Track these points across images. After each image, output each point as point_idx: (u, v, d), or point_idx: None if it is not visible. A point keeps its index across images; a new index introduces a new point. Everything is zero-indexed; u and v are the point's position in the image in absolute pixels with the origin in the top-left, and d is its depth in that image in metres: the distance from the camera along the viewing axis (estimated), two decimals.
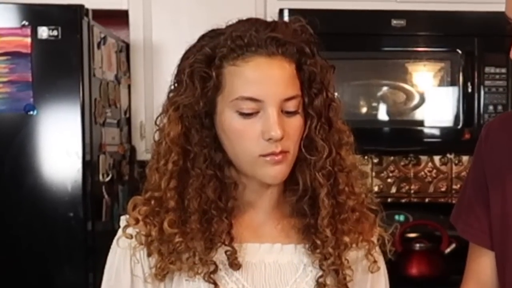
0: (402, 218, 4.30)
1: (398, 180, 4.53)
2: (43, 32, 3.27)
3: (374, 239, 1.78)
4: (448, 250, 3.89)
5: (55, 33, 3.29)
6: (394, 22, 3.82)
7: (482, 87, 3.83)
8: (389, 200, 4.43)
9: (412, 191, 4.52)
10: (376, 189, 4.43)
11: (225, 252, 1.69)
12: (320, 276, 1.72)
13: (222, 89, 1.63)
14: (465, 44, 3.85)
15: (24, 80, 3.28)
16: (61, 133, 3.36)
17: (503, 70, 3.80)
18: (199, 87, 1.63)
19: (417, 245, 3.93)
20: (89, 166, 3.41)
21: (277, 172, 1.63)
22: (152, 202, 1.72)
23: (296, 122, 1.65)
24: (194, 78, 1.65)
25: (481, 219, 1.88)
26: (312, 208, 1.72)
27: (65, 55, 3.33)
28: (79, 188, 3.33)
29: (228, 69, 1.63)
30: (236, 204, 1.75)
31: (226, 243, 1.69)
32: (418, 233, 4.08)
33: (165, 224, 1.67)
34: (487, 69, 3.81)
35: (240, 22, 1.71)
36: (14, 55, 3.26)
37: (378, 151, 4.37)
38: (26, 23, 3.27)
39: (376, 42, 3.99)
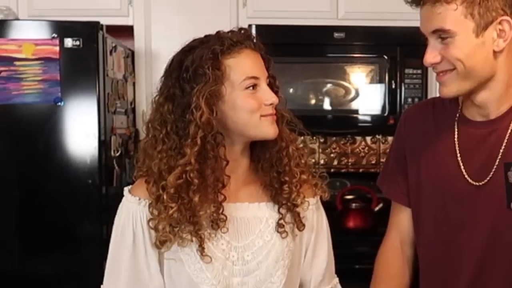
0: (341, 184, 4.46)
1: (338, 155, 4.66)
2: (68, 42, 3.42)
3: (318, 197, 2.00)
4: (376, 208, 4.10)
5: (77, 43, 3.44)
6: (336, 34, 4.00)
7: (403, 84, 4.06)
8: (332, 170, 4.51)
9: (349, 164, 4.68)
10: (322, 162, 4.63)
11: (215, 208, 1.85)
12: (279, 222, 1.91)
13: (227, 77, 1.81)
14: (390, 52, 4.05)
15: (53, 79, 3.41)
16: (82, 119, 3.51)
17: (419, 71, 4.03)
18: (212, 75, 1.83)
19: (353, 204, 4.16)
20: (103, 144, 3.57)
21: (274, 128, 1.84)
22: (178, 178, 1.83)
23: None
24: (212, 69, 1.83)
25: (401, 184, 2.08)
26: (273, 175, 1.91)
27: (85, 60, 3.48)
28: (96, 161, 3.50)
29: (228, 61, 1.81)
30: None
31: (219, 205, 1.86)
32: (354, 196, 4.27)
33: (189, 194, 1.80)
34: (406, 71, 4.04)
35: (217, 32, 1.90)
36: (46, 60, 3.39)
37: (324, 133, 4.50)
38: (55, 35, 3.42)
39: (322, 50, 4.15)
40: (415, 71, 4.06)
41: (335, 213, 4.19)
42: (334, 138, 4.67)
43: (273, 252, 1.92)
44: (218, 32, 1.88)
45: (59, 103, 3.48)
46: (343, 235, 3.97)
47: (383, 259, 2.15)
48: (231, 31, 1.89)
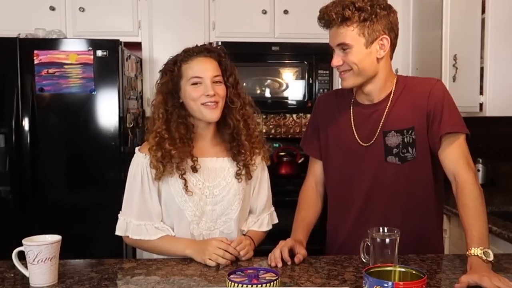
0: (277, 145, 4.84)
1: (275, 126, 5.15)
2: (99, 53, 3.82)
3: (263, 153, 2.20)
4: (299, 161, 4.55)
5: (105, 53, 3.83)
6: (273, 48, 4.47)
7: (316, 80, 4.50)
8: (270, 136, 5.01)
9: (282, 132, 5.15)
10: (264, 130, 5.04)
11: (192, 159, 2.04)
12: (237, 172, 2.12)
13: (182, 76, 2.02)
14: (308, 59, 4.50)
15: (89, 77, 3.82)
16: (108, 103, 3.87)
17: (327, 72, 4.48)
18: (171, 77, 2.05)
19: (284, 158, 4.62)
20: (121, 119, 3.91)
21: (213, 113, 2.01)
22: (157, 139, 2.02)
23: (221, 89, 2.04)
24: (169, 72, 2.06)
25: (315, 145, 2.27)
26: (233, 137, 2.10)
27: (110, 64, 3.85)
28: (117, 130, 3.88)
29: (183, 66, 2.01)
30: (194, 136, 2.09)
31: (191, 155, 2.05)
32: (285, 152, 4.68)
33: (165, 146, 2.00)
34: (319, 72, 4.49)
35: (188, 49, 2.08)
36: (84, 65, 3.81)
37: (265, 112, 4.95)
38: (91, 48, 3.81)
39: (264, 58, 4.55)
40: (324, 72, 4.50)
41: (272, 164, 4.35)
42: (272, 115, 5.12)
43: (232, 190, 2.11)
44: (188, 48, 2.09)
45: (93, 92, 3.85)
46: (278, 178, 4.35)
47: (303, 194, 2.30)
48: (199, 46, 2.10)
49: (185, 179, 2.02)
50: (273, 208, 2.31)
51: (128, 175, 2.10)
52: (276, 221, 2.30)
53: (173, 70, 2.02)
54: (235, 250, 1.93)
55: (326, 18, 1.93)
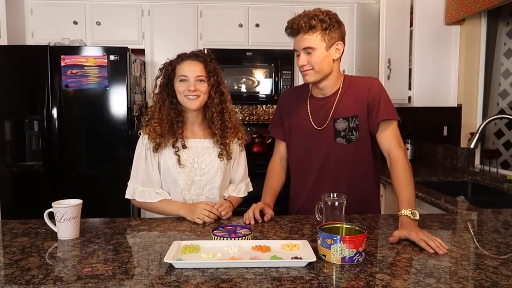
0: (251, 129, 4.84)
1: (249, 115, 5.11)
2: (111, 57, 3.86)
3: (240, 138, 2.17)
4: (268, 141, 4.61)
5: (116, 57, 3.87)
6: (247, 53, 4.51)
7: (281, 79, 4.52)
8: (245, 122, 5.00)
9: (254, 119, 5.12)
10: (240, 118, 4.97)
11: (182, 140, 2.04)
12: (220, 152, 2.10)
13: (175, 74, 2.02)
14: (275, 62, 4.52)
15: (104, 76, 3.86)
16: (118, 96, 3.89)
17: (289, 72, 4.50)
18: (166, 74, 2.05)
19: (256, 139, 4.66)
20: (129, 109, 3.92)
21: (193, 104, 2.00)
22: (147, 117, 2.06)
23: (203, 86, 2.02)
24: (165, 71, 2.06)
25: (280, 129, 2.25)
26: (214, 123, 2.07)
27: (120, 66, 3.88)
28: (126, 117, 3.91)
29: (177, 66, 2.01)
30: (184, 120, 2.08)
31: (181, 137, 2.06)
32: (257, 135, 4.70)
33: (157, 129, 2.02)
34: (283, 72, 4.52)
35: (182, 53, 2.08)
36: (100, 66, 3.86)
37: (241, 103, 4.95)
38: (105, 54, 3.85)
39: (240, 61, 4.52)
40: (287, 72, 4.52)
41: (246, 144, 4.16)
42: (246, 106, 5.09)
43: (216, 164, 2.10)
44: (182, 53, 2.09)
45: (107, 88, 3.88)
46: (251, 155, 3.99)
47: (271, 167, 2.28)
48: (191, 51, 2.08)
49: (178, 155, 2.03)
50: (249, 179, 2.30)
51: (135, 152, 2.10)
52: (251, 189, 2.30)
53: (168, 69, 2.03)
54: (218, 211, 1.96)
55: (295, 27, 1.89)
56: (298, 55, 1.96)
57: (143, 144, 2.06)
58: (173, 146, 2.03)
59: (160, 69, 2.08)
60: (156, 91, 2.06)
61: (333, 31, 1.91)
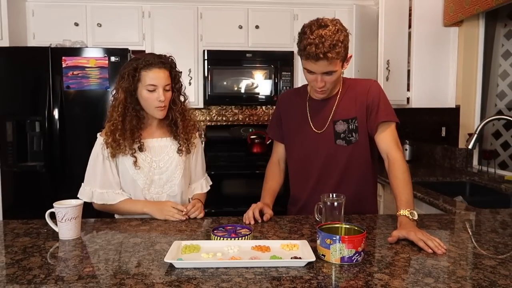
0: (251, 129, 4.81)
1: (249, 115, 5.11)
2: (112, 58, 3.89)
3: (198, 134, 2.20)
4: (267, 142, 4.48)
5: (117, 59, 3.90)
6: (247, 54, 4.51)
7: (281, 80, 4.51)
8: (245, 123, 5.02)
9: (254, 119, 5.11)
10: (240, 118, 5.05)
11: (139, 143, 2.04)
12: (179, 148, 2.11)
13: (140, 81, 1.97)
14: (274, 63, 4.51)
15: (104, 77, 3.89)
16: None
17: (289, 73, 4.50)
18: (131, 80, 1.97)
19: (256, 140, 4.59)
20: None
21: (162, 113, 2.02)
22: (112, 128, 2.00)
23: (169, 94, 2.02)
24: (130, 76, 1.97)
25: (279, 131, 2.24)
26: (175, 124, 2.09)
27: (120, 67, 3.50)
28: None
29: (142, 73, 1.96)
30: (144, 125, 2.08)
31: (139, 139, 2.04)
32: (256, 136, 4.63)
33: (116, 135, 1.99)
34: (283, 73, 4.49)
35: (147, 54, 2.05)
36: (101, 68, 3.88)
37: (241, 104, 4.96)
38: (106, 55, 3.88)
39: (241, 62, 4.51)
40: (287, 73, 4.53)
41: (247, 144, 4.60)
42: (246, 107, 5.09)
43: (174, 162, 2.10)
44: (146, 55, 2.02)
45: (108, 89, 3.87)
46: (250, 156, 4.55)
47: (269, 169, 2.28)
48: (154, 55, 2.01)
49: (135, 157, 2.02)
50: (206, 175, 2.32)
51: (91, 153, 2.08)
52: (210, 183, 2.32)
53: (134, 76, 1.96)
54: (185, 209, 1.96)
55: (321, 56, 1.79)
56: (311, 73, 1.91)
57: (100, 145, 2.05)
58: (130, 148, 2.02)
59: (123, 73, 2.00)
60: (120, 95, 1.99)
61: (348, 46, 1.88)
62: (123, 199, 2.05)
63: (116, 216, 2.14)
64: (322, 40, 1.78)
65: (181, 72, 2.11)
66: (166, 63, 2.00)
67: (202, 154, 2.29)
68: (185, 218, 1.96)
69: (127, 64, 2.01)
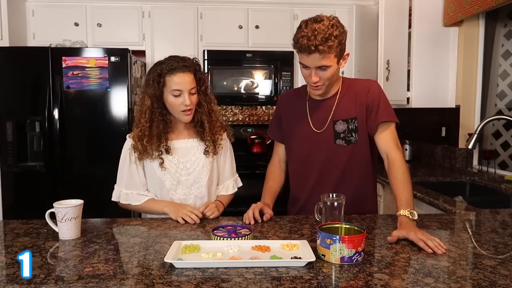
0: (251, 129, 4.88)
1: (249, 115, 5.13)
2: (112, 58, 3.87)
3: (227, 134, 2.21)
4: (268, 142, 4.50)
5: (117, 59, 3.88)
6: (247, 54, 4.53)
7: (281, 80, 4.52)
8: (245, 123, 5.05)
9: (254, 119, 5.12)
10: (240, 118, 5.09)
11: (166, 146, 2.06)
12: (206, 149, 2.13)
13: (165, 86, 1.98)
14: (274, 63, 4.53)
15: (105, 77, 3.87)
16: (119, 97, 3.90)
17: (289, 73, 4.52)
18: (156, 86, 1.99)
19: (256, 140, 4.60)
20: (130, 110, 3.92)
21: (188, 117, 2.02)
22: (140, 134, 2.02)
23: (195, 97, 2.02)
24: (155, 82, 1.98)
25: (279, 132, 2.24)
26: (201, 126, 2.10)
27: (121, 67, 3.89)
28: (126, 118, 3.92)
29: (167, 78, 1.96)
30: (171, 129, 2.09)
31: (165, 142, 2.06)
32: (256, 136, 4.65)
33: (143, 141, 2.01)
34: (283, 73, 4.53)
35: (170, 57, 2.02)
36: (101, 68, 3.86)
37: (241, 104, 4.98)
38: (106, 55, 3.86)
39: (241, 62, 4.54)
40: (287, 73, 4.55)
41: (247, 144, 4.62)
42: (246, 107, 5.12)
43: (201, 163, 2.11)
44: (169, 59, 2.01)
45: (108, 89, 3.89)
46: (250, 156, 4.56)
47: (270, 169, 2.28)
48: (177, 59, 2.00)
49: (162, 159, 2.04)
50: (237, 175, 2.30)
51: (121, 154, 2.11)
52: (240, 184, 2.29)
53: (159, 82, 1.97)
54: (200, 213, 1.96)
55: (312, 49, 1.80)
56: (306, 68, 1.92)
57: (129, 148, 2.07)
58: (157, 151, 2.04)
59: (148, 78, 2.02)
60: (146, 102, 2.01)
61: (344, 44, 1.88)
62: (147, 199, 2.08)
63: (142, 215, 2.20)
64: (315, 33, 1.79)
65: (207, 73, 2.09)
66: (190, 66, 2.00)
67: (231, 154, 2.27)
68: (198, 221, 1.94)
69: (151, 70, 2.02)
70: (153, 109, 1.99)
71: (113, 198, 2.11)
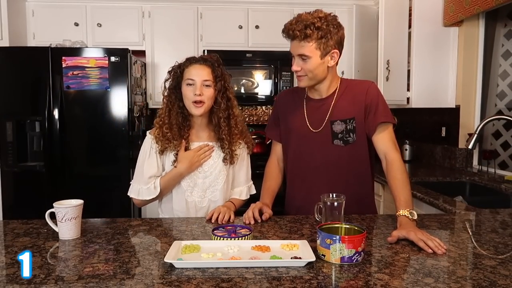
0: (251, 130, 4.69)
1: (249, 115, 5.17)
2: (112, 58, 3.88)
3: (246, 143, 2.21)
4: (267, 142, 3.84)
5: (117, 59, 3.88)
6: (247, 54, 4.55)
7: (281, 80, 4.56)
8: (246, 123, 4.60)
9: (254, 119, 5.17)
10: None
11: (187, 143, 2.06)
12: (224, 157, 2.11)
13: (183, 77, 2.02)
14: (274, 63, 4.56)
15: (105, 77, 3.88)
16: (119, 97, 3.90)
17: (289, 73, 4.52)
18: (175, 78, 2.05)
19: (256, 140, 4.36)
20: (130, 110, 3.94)
21: (198, 111, 2.00)
22: (160, 122, 2.05)
23: (209, 91, 2.00)
24: (174, 74, 2.05)
25: (276, 131, 2.24)
26: (221, 128, 2.07)
27: (121, 67, 3.89)
28: (126, 118, 3.91)
29: (185, 70, 2.02)
30: (191, 124, 2.10)
31: (187, 139, 2.07)
32: (256, 136, 4.60)
33: (163, 129, 2.03)
34: (283, 73, 4.56)
35: (190, 57, 2.07)
36: (101, 68, 3.87)
37: (241, 104, 4.18)
38: (106, 55, 3.87)
39: (241, 62, 4.56)
40: (287, 73, 4.56)
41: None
42: (246, 107, 5.14)
43: (218, 167, 2.11)
44: (193, 56, 2.08)
45: (108, 89, 3.90)
46: (251, 156, 4.41)
47: (268, 169, 2.27)
48: (200, 56, 2.08)
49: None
50: (251, 182, 2.29)
51: (140, 151, 2.11)
52: (254, 192, 2.29)
53: (177, 72, 2.03)
54: (209, 146, 2.05)
55: (290, 33, 1.87)
56: (292, 57, 1.96)
57: (149, 143, 2.08)
58: (175, 149, 2.04)
59: (169, 71, 2.07)
60: (165, 93, 2.06)
61: (330, 39, 1.88)
62: (158, 184, 2.07)
63: (160, 215, 2.18)
64: (298, 20, 1.86)
65: (230, 75, 2.11)
66: (207, 60, 2.03)
67: (248, 163, 2.27)
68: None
69: (174, 66, 2.08)
70: (171, 99, 2.03)
71: (132, 195, 2.10)
